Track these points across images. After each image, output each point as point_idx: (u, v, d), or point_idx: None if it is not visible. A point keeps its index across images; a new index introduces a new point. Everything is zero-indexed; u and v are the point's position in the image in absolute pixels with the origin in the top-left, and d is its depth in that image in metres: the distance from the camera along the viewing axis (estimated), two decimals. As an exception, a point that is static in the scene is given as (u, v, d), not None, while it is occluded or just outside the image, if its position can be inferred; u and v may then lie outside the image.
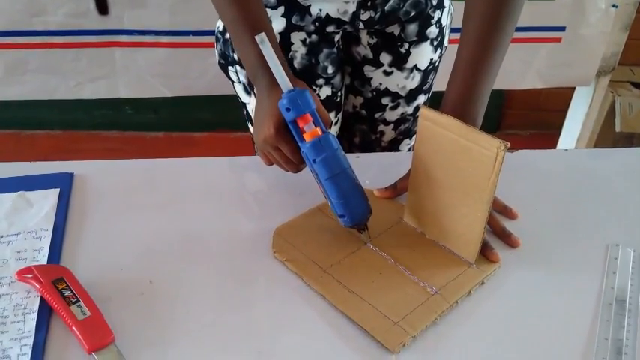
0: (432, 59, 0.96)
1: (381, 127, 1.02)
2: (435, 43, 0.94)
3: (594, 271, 0.71)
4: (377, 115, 1.00)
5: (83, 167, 0.85)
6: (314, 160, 0.68)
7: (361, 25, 0.88)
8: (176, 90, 1.58)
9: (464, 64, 0.75)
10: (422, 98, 1.00)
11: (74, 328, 0.60)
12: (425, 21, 0.91)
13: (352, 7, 0.86)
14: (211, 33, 0.97)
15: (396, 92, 0.97)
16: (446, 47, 0.98)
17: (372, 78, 0.96)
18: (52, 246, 0.71)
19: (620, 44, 1.64)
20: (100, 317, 0.61)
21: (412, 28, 0.91)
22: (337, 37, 0.91)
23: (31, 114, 2.10)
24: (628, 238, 0.75)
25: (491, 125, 2.21)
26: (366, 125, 1.03)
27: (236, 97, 1.00)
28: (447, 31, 0.96)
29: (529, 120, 2.23)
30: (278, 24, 0.86)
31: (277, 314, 0.65)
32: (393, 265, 0.71)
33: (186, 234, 0.75)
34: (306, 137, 0.68)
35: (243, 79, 0.94)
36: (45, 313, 0.63)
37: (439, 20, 0.92)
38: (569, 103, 1.84)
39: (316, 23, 0.87)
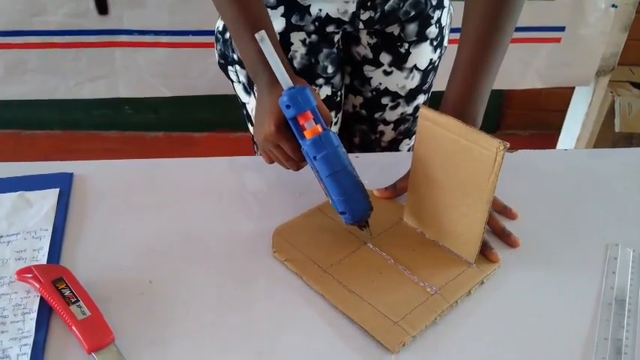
0: (431, 59, 0.96)
1: (381, 127, 1.02)
2: (435, 43, 0.94)
3: (594, 271, 0.71)
4: (377, 115, 1.00)
5: (83, 167, 0.84)
6: (314, 157, 0.68)
7: (361, 25, 0.88)
8: (176, 90, 1.58)
9: (464, 64, 0.75)
10: (422, 98, 1.00)
11: (74, 328, 0.60)
12: (424, 21, 0.91)
13: (352, 7, 0.86)
14: (211, 33, 0.97)
15: (396, 92, 0.97)
16: (445, 47, 0.98)
17: (371, 78, 0.96)
18: (51, 246, 0.71)
19: (619, 44, 1.64)
20: (100, 317, 0.61)
21: (412, 27, 0.91)
22: (337, 37, 0.91)
23: (31, 114, 2.10)
24: (628, 238, 0.75)
25: (491, 125, 2.21)
26: (365, 125, 1.03)
27: (236, 97, 1.00)
28: (446, 31, 0.96)
29: (529, 120, 2.23)
30: (278, 24, 0.86)
31: (277, 314, 0.65)
32: (392, 265, 0.71)
33: (186, 234, 0.75)
34: (307, 134, 0.68)
35: (243, 79, 0.94)
36: (45, 313, 0.63)
37: (439, 20, 0.92)
38: (568, 103, 1.84)
39: (316, 23, 0.87)
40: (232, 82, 0.98)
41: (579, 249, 0.74)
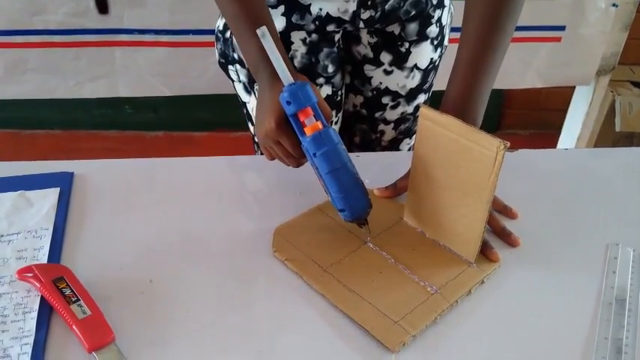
0: (432, 58, 0.96)
1: (381, 127, 1.02)
2: (435, 43, 0.94)
3: (594, 271, 0.71)
4: (377, 115, 1.00)
5: (83, 166, 0.84)
6: (314, 154, 0.68)
7: (361, 24, 0.88)
8: (176, 89, 1.58)
9: (464, 64, 0.75)
10: (422, 97, 1.00)
11: (74, 327, 0.60)
12: (425, 20, 0.91)
13: (352, 6, 0.86)
14: (211, 32, 0.97)
15: (396, 91, 0.97)
16: (446, 46, 0.98)
17: (372, 77, 0.96)
18: (52, 245, 0.71)
19: (620, 44, 1.64)
20: (100, 316, 0.61)
21: (412, 27, 0.90)
22: (337, 36, 0.91)
23: (31, 113, 2.10)
24: (628, 238, 0.75)
25: (491, 125, 2.21)
26: (366, 124, 1.03)
27: (236, 96, 1.00)
28: (447, 31, 0.96)
29: (529, 119, 2.23)
30: (278, 23, 0.86)
31: (277, 314, 0.65)
32: (393, 264, 0.71)
33: (186, 233, 0.75)
34: (307, 131, 0.68)
35: (243, 78, 0.94)
36: (45, 313, 0.63)
37: (439, 19, 0.92)
38: (569, 103, 1.84)
39: (316, 22, 0.87)
40: (232, 81, 0.98)
41: (579, 248, 0.74)
